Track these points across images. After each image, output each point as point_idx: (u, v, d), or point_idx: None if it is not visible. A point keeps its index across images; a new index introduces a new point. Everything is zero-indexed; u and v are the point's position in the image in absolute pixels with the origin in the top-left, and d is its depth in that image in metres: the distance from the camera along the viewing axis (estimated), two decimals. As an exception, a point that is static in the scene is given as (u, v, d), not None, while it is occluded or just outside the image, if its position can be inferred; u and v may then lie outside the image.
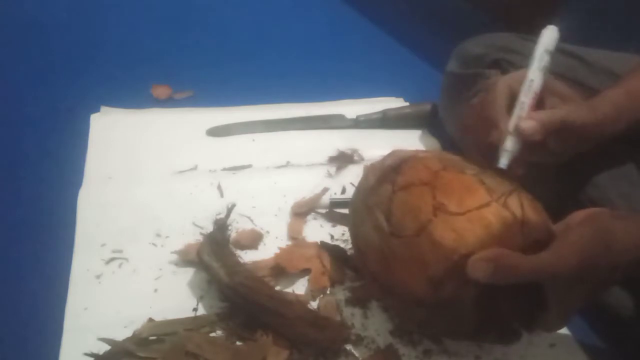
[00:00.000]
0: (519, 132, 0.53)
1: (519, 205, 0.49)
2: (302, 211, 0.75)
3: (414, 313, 0.54)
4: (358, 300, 0.63)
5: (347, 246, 0.70)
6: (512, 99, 0.56)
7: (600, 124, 0.58)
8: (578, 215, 0.51)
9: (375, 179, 0.57)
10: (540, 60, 0.56)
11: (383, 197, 0.54)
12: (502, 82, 0.57)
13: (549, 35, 0.57)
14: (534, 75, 0.55)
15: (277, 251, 0.68)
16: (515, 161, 0.54)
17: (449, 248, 0.48)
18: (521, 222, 0.48)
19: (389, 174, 0.55)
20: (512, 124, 0.54)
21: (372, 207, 0.55)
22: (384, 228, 0.53)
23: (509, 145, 0.54)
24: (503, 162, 0.54)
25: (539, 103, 0.57)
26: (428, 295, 0.50)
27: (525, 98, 0.55)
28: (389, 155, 0.59)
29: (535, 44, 0.57)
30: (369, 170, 0.60)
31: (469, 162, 0.55)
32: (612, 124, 0.59)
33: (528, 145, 0.55)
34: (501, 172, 0.54)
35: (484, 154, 0.56)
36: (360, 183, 0.61)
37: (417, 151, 0.57)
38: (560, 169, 0.65)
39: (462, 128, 0.61)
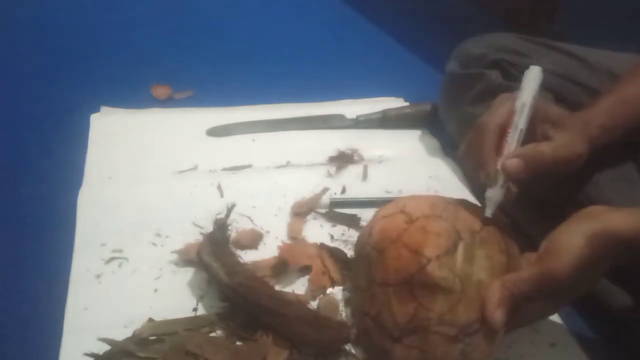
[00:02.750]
0: (504, 170, 0.53)
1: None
2: (302, 211, 0.75)
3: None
4: None
5: (347, 246, 0.70)
6: (503, 134, 0.56)
7: (595, 138, 0.58)
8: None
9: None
10: (527, 108, 0.55)
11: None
12: (492, 123, 0.56)
13: (534, 78, 0.56)
14: (522, 124, 0.55)
15: (278, 250, 0.68)
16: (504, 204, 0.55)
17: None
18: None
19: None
20: (498, 167, 0.54)
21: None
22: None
23: (491, 195, 0.54)
24: (488, 212, 0.54)
25: (530, 130, 0.56)
26: None
27: (511, 140, 0.55)
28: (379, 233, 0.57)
29: (525, 81, 0.57)
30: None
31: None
32: (609, 134, 0.60)
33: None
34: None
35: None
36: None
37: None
38: None
39: (461, 157, 0.62)
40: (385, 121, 0.95)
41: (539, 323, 0.63)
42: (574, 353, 0.61)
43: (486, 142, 0.55)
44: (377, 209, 0.61)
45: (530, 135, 0.56)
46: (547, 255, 0.47)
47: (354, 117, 0.95)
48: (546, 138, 0.57)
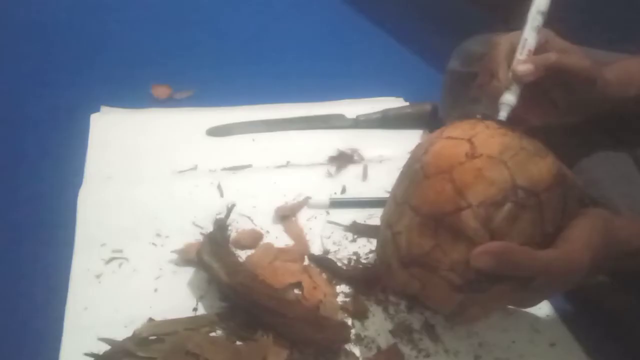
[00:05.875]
0: (514, 76, 0.56)
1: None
2: (286, 214, 0.74)
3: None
4: (353, 313, 0.63)
5: (348, 246, 0.70)
6: (513, 55, 0.58)
7: (608, 83, 0.59)
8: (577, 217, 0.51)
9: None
10: (534, 21, 0.58)
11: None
12: (504, 39, 0.59)
13: None
14: (528, 35, 0.58)
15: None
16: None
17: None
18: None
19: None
20: (509, 76, 0.57)
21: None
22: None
23: (506, 98, 0.56)
24: (502, 114, 0.56)
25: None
26: None
27: (520, 55, 0.57)
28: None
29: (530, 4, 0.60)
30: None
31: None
32: (622, 88, 0.60)
33: (531, 97, 0.57)
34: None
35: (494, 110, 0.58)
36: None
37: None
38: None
39: (477, 89, 0.63)
40: (385, 121, 0.95)
41: (538, 323, 0.63)
42: (574, 353, 0.61)
43: (498, 53, 0.58)
44: (442, 129, 0.55)
45: None
46: (564, 242, 0.48)
47: (354, 117, 0.95)
48: None
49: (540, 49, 0.58)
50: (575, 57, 0.58)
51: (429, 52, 1.18)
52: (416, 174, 0.52)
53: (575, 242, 0.48)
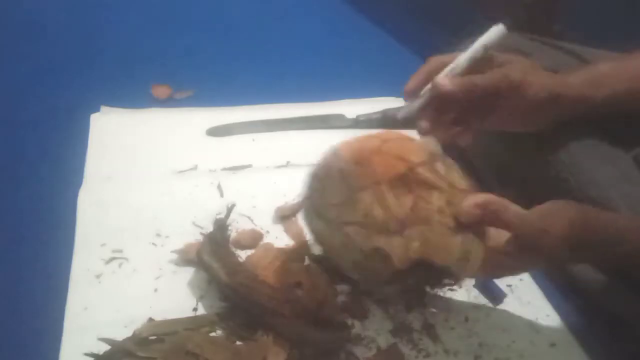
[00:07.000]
0: (433, 86, 0.60)
1: None
2: (286, 214, 0.74)
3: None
4: (353, 313, 0.63)
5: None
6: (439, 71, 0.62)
7: (569, 86, 0.61)
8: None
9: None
10: (475, 52, 0.61)
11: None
12: (437, 57, 0.64)
13: (493, 32, 0.62)
14: (463, 60, 0.61)
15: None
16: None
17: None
18: None
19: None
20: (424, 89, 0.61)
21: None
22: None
23: (411, 102, 0.63)
24: (400, 114, 0.63)
25: None
26: None
27: (443, 73, 0.61)
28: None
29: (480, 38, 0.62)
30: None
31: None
32: (590, 90, 0.61)
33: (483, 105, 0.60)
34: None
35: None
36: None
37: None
38: (558, 160, 0.65)
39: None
40: (385, 121, 0.94)
41: (538, 323, 0.63)
42: (574, 353, 0.61)
43: (423, 68, 0.64)
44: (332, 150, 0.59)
45: None
46: (547, 216, 0.50)
47: (354, 117, 0.94)
48: None
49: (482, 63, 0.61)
50: (496, 72, 0.60)
51: (429, 52, 1.18)
52: (343, 170, 0.54)
53: (545, 212, 0.50)
